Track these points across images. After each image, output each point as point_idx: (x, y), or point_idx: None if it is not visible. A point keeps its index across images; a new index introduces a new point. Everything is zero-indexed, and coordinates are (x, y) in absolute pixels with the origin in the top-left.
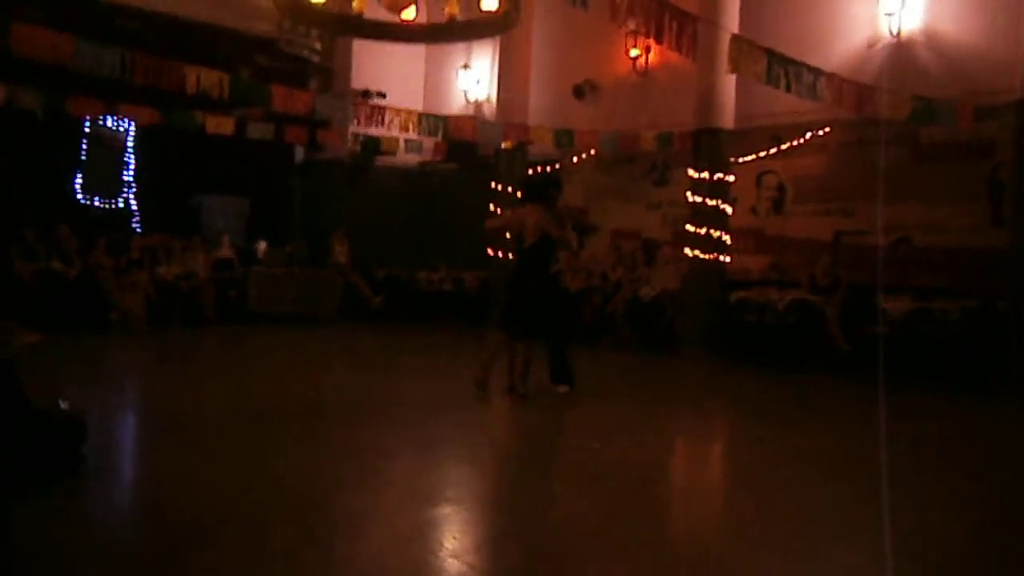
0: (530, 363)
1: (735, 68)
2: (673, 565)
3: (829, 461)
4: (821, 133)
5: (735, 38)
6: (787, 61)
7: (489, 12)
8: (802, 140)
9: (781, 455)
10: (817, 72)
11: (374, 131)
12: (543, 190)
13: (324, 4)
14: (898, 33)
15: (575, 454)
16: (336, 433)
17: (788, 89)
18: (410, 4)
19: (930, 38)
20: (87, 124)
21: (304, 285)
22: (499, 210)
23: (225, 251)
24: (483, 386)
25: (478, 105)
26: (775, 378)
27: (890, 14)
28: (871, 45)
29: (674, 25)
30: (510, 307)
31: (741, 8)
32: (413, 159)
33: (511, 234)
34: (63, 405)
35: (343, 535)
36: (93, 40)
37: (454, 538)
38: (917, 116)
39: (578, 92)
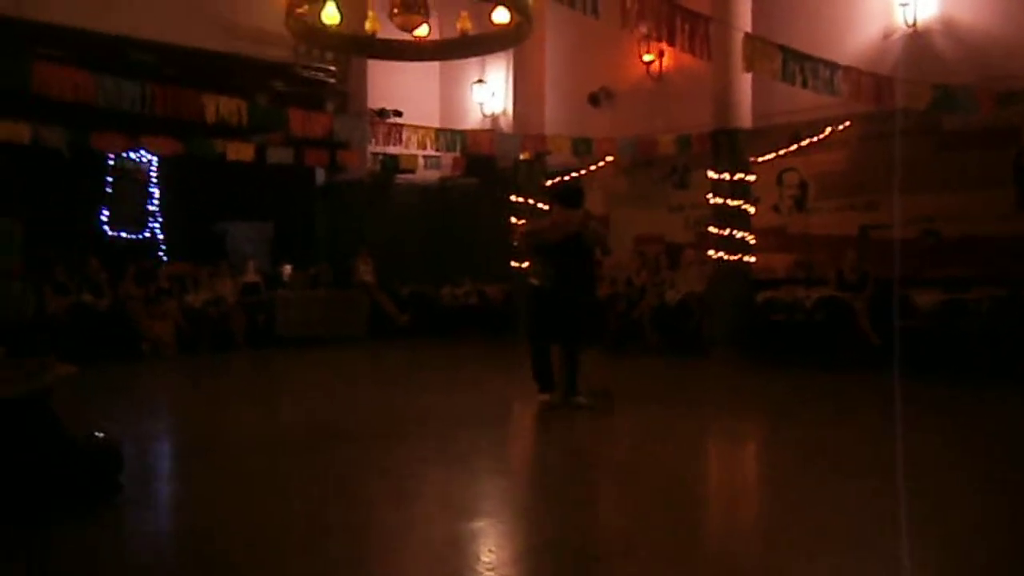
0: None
1: (750, 67)
2: (710, 571)
3: (863, 460)
4: (841, 128)
5: (748, 37)
6: (802, 57)
7: (501, 25)
8: (821, 136)
9: (815, 456)
10: (833, 66)
11: (393, 149)
12: (579, 196)
13: (337, 27)
14: (914, 23)
15: (606, 463)
16: (368, 451)
17: (804, 85)
18: (422, 22)
19: (947, 26)
20: (111, 159)
21: (330, 306)
22: (522, 221)
23: (251, 276)
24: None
25: (494, 118)
26: (806, 377)
27: (905, 4)
28: (887, 36)
29: (686, 27)
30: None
31: (753, 6)
32: (432, 175)
33: (553, 239)
34: (99, 435)
35: (379, 553)
36: (112, 75)
37: (490, 551)
38: (937, 105)
39: (593, 100)
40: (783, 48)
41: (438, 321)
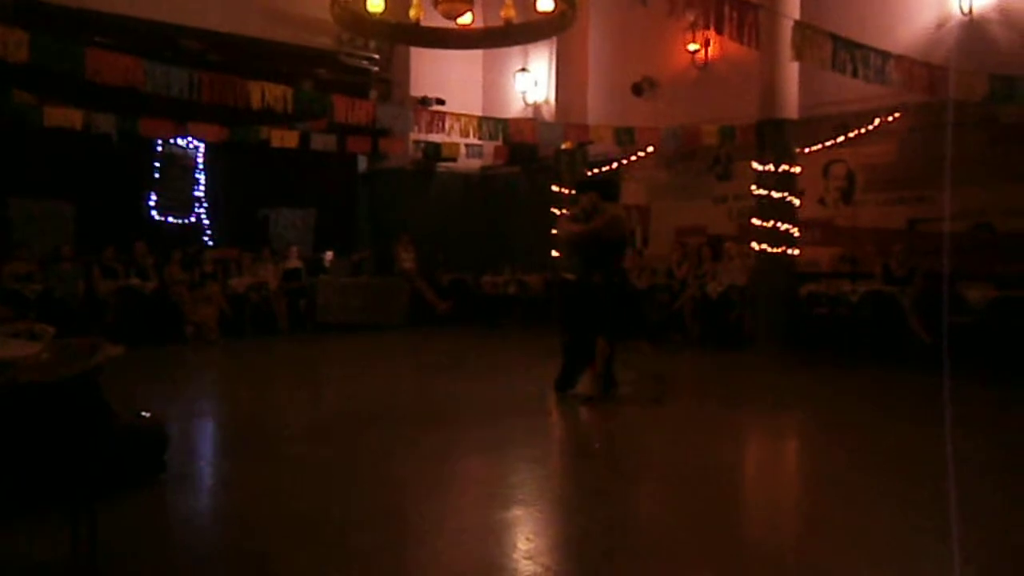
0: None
1: (799, 56)
2: (748, 566)
3: (910, 461)
4: (890, 119)
5: (798, 24)
6: (853, 45)
7: (545, 13)
8: (870, 127)
9: (856, 454)
10: (885, 55)
11: (435, 137)
12: (617, 190)
13: (382, 15)
14: (969, 10)
15: (643, 455)
16: (408, 437)
17: (855, 74)
18: (467, 10)
19: (1004, 14)
20: (159, 145)
21: (371, 293)
22: (564, 211)
23: (293, 262)
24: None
25: (536, 107)
26: (850, 373)
27: None
28: (941, 24)
29: (734, 15)
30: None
31: None
32: (474, 164)
33: (614, 236)
34: (145, 415)
35: (417, 538)
36: (161, 62)
37: (528, 539)
38: (994, 96)
39: (637, 89)
40: (833, 36)
41: (478, 309)
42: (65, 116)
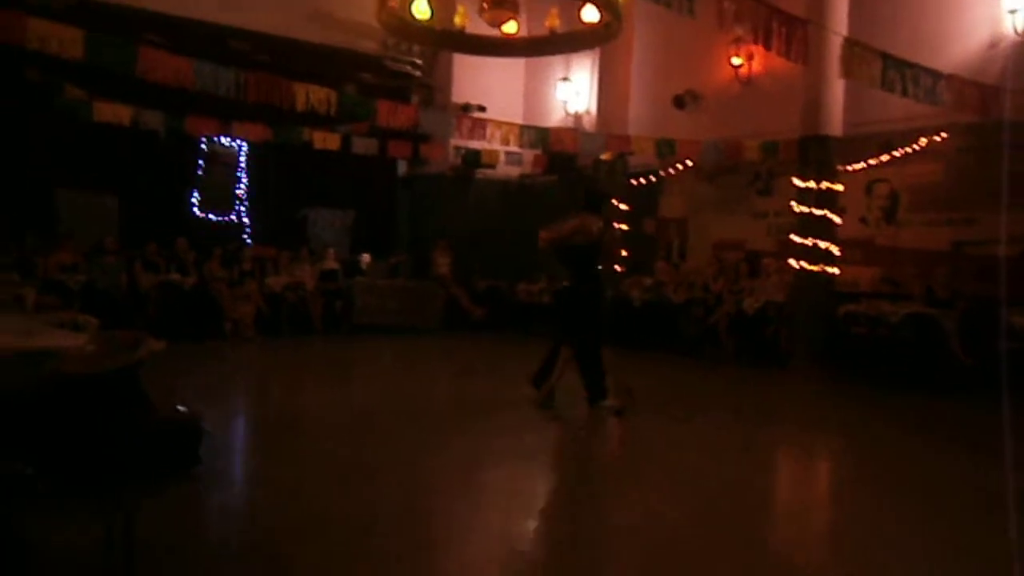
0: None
1: (848, 73)
2: None
3: (947, 490)
4: (937, 139)
5: (848, 41)
6: (904, 64)
7: (590, 24)
8: (916, 146)
9: (894, 481)
10: (936, 75)
11: (475, 144)
12: (601, 201)
13: (428, 21)
14: (1023, 31)
15: (669, 469)
16: (439, 439)
17: (904, 93)
18: (511, 18)
19: None
20: (203, 143)
21: (407, 296)
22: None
23: (330, 263)
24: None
25: (577, 117)
26: (887, 395)
27: (1013, 11)
28: (994, 44)
29: (783, 30)
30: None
31: (850, 10)
32: (513, 171)
33: (580, 242)
34: (181, 409)
35: (438, 544)
36: (210, 61)
37: (549, 548)
38: None
39: (679, 102)
40: (884, 54)
41: (512, 316)
42: (114, 112)
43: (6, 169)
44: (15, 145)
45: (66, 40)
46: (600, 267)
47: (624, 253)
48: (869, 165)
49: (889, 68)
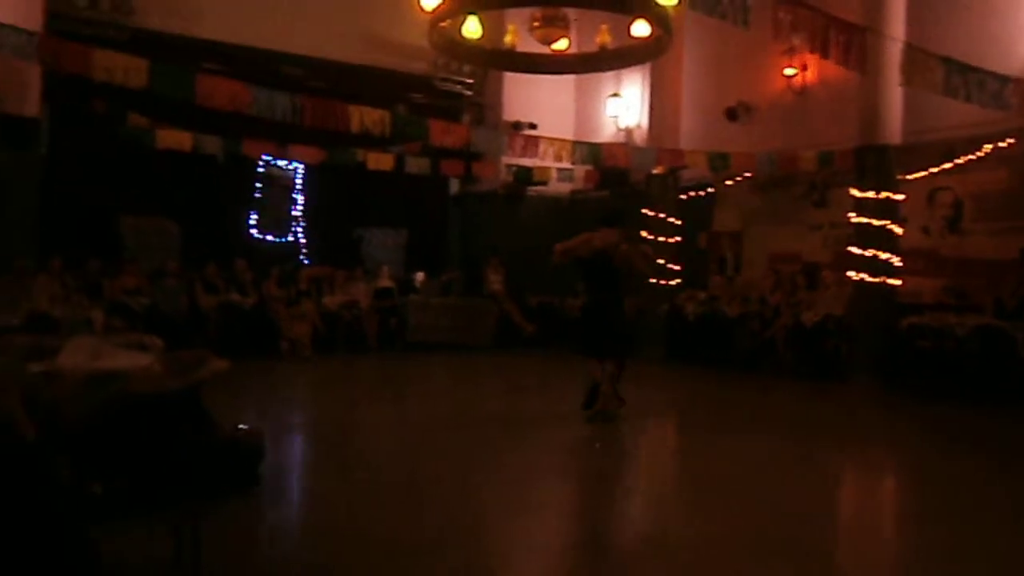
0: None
1: (908, 80)
2: None
3: (1007, 513)
4: (1004, 145)
5: (908, 48)
6: (967, 69)
7: (640, 38)
8: (980, 153)
9: (947, 502)
10: (1003, 79)
11: (527, 161)
12: (617, 217)
13: (478, 40)
14: None
15: (725, 487)
16: (495, 458)
17: (968, 99)
18: (563, 35)
19: None
20: (260, 166)
21: (459, 314)
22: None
23: (385, 281)
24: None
25: (628, 132)
26: (953, 411)
27: None
28: None
29: (841, 39)
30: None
31: (908, 15)
32: (564, 188)
33: (584, 254)
34: (243, 427)
35: (491, 563)
36: (266, 87)
37: (618, 569)
38: None
39: (731, 114)
40: (945, 59)
41: (563, 333)
42: (176, 139)
43: (74, 197)
44: (82, 174)
45: (131, 70)
46: (614, 280)
47: (652, 266)
48: (930, 173)
49: (952, 73)
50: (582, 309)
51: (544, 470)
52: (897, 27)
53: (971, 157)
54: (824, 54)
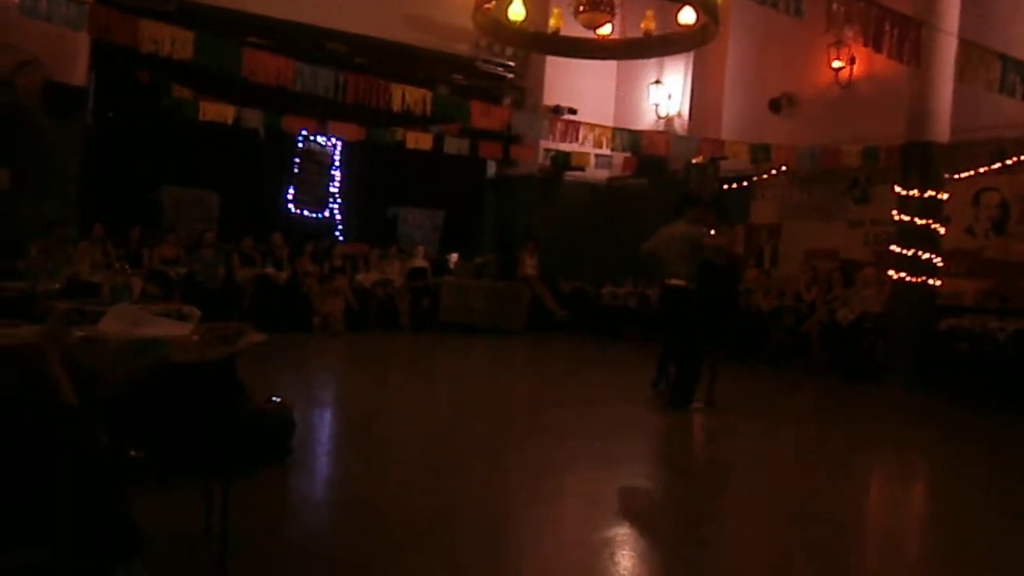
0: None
1: (963, 76)
2: None
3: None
4: None
5: (964, 43)
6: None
7: (687, 26)
8: None
9: (978, 508)
10: None
11: (566, 146)
12: (726, 211)
13: (522, 23)
14: None
15: (751, 484)
16: (521, 443)
17: None
18: (608, 20)
19: None
20: (300, 141)
21: (492, 297)
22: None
23: (419, 261)
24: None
25: (669, 120)
26: (991, 416)
27: None
28: None
29: (895, 31)
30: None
31: (962, 8)
32: (602, 174)
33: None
34: (276, 400)
35: (516, 550)
36: (310, 63)
37: (629, 558)
38: None
39: (775, 106)
40: (1003, 57)
41: (597, 319)
42: (218, 111)
43: (117, 166)
44: (126, 144)
45: (177, 42)
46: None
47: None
48: (978, 173)
49: (1009, 71)
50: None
51: (574, 455)
52: (951, 21)
53: (1020, 158)
54: (877, 47)
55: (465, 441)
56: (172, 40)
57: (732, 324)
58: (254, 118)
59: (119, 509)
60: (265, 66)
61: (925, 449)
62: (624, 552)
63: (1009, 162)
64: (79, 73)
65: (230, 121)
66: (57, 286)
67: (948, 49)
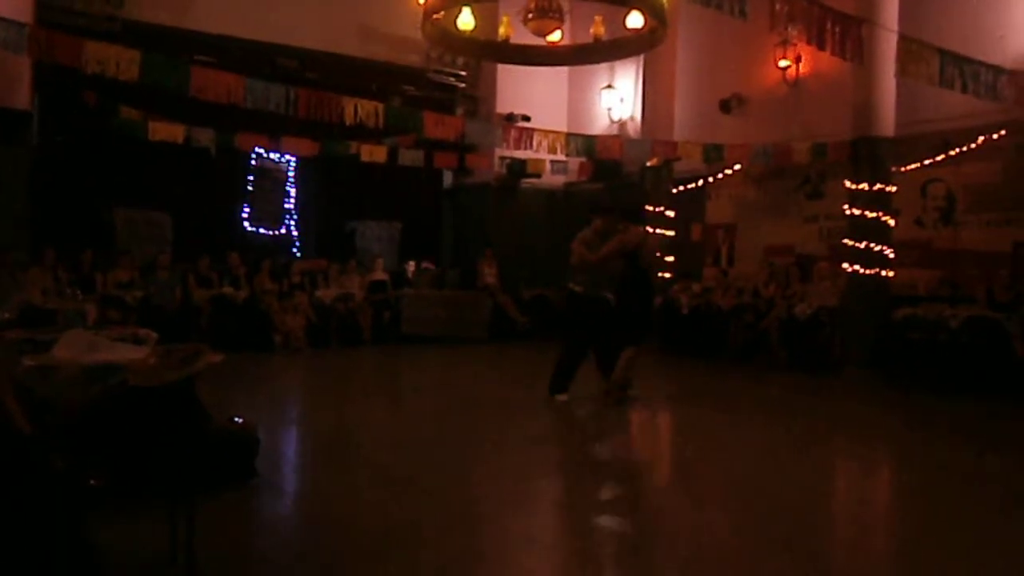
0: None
1: (903, 71)
2: None
3: (1000, 500)
4: (995, 137)
5: (904, 39)
6: (962, 60)
7: (635, 30)
8: (973, 145)
9: (944, 492)
10: (998, 70)
11: (521, 154)
12: (637, 212)
13: (472, 32)
14: None
15: (718, 477)
16: (490, 449)
17: (964, 90)
18: (557, 27)
19: None
20: (253, 159)
21: (454, 307)
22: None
23: (379, 274)
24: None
25: (622, 124)
26: (946, 402)
27: None
28: None
29: (837, 29)
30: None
31: (901, 7)
32: (558, 180)
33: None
34: (238, 420)
35: (490, 555)
36: (260, 78)
37: (609, 559)
38: None
39: (725, 106)
40: (941, 51)
41: (558, 325)
42: (168, 131)
43: (66, 190)
44: (74, 167)
45: (123, 62)
46: (642, 275)
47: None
48: (923, 165)
49: (947, 65)
50: (584, 299)
51: (541, 461)
52: (891, 18)
53: (964, 149)
54: (820, 45)
55: (433, 451)
56: (117, 60)
57: (646, 323)
58: (205, 137)
59: (81, 537)
60: (214, 83)
61: (886, 436)
62: (597, 553)
63: (953, 153)
64: (22, 97)
65: (180, 140)
66: (8, 315)
67: (889, 45)
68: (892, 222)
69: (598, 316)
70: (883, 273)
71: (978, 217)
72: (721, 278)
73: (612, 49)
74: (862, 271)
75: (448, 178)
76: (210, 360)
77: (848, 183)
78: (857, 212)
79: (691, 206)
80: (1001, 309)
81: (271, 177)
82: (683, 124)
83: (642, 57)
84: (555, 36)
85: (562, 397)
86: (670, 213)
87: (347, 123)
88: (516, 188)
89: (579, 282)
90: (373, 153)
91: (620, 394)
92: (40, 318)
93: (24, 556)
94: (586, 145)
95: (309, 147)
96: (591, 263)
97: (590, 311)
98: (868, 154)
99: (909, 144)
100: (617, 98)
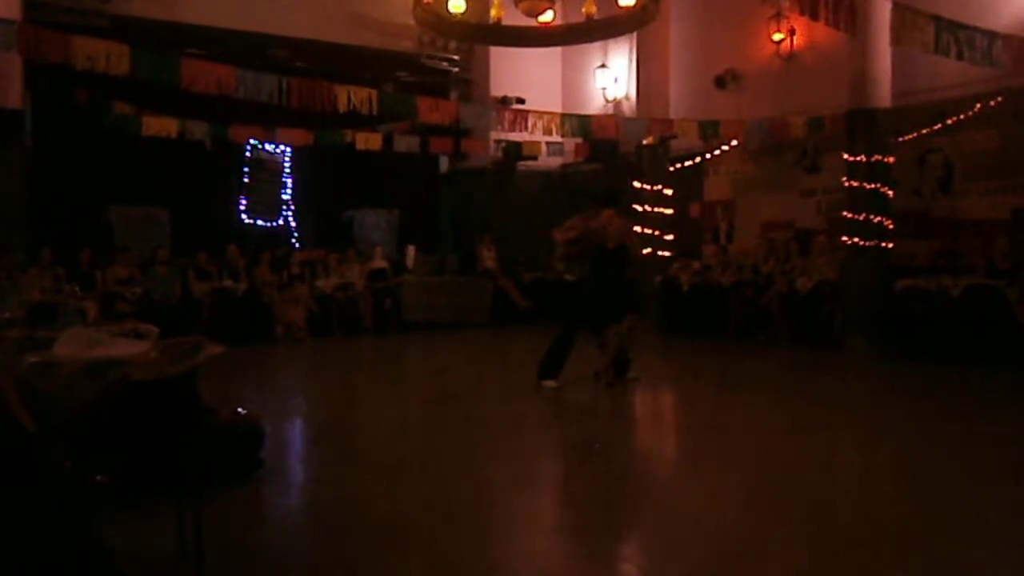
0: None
1: (898, 40)
2: None
3: (1008, 468)
4: (992, 104)
5: (897, 7)
6: (957, 26)
7: (627, 7)
8: (970, 113)
9: (952, 464)
10: (992, 35)
11: (516, 136)
12: (617, 198)
13: (463, 15)
14: None
15: (728, 458)
16: (493, 435)
17: (960, 57)
18: (548, 7)
19: None
20: (248, 151)
21: (454, 292)
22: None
23: (378, 262)
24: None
25: (617, 103)
26: (949, 371)
27: None
28: None
29: (830, 1)
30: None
31: None
32: (555, 162)
33: (591, 242)
34: (242, 412)
35: (502, 538)
36: (252, 70)
37: (613, 540)
38: None
39: (720, 82)
40: (936, 18)
41: (559, 307)
42: (162, 125)
43: (62, 188)
44: (69, 165)
45: (113, 57)
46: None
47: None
48: (921, 135)
49: (942, 32)
50: (590, 290)
51: (546, 444)
52: None
53: (961, 117)
54: (813, 16)
55: (438, 436)
56: (107, 55)
57: (627, 303)
58: (200, 130)
59: (90, 536)
60: (206, 75)
61: (891, 408)
62: (603, 534)
63: (950, 122)
64: (14, 96)
65: (174, 135)
66: (8, 314)
67: (883, 14)
68: (891, 193)
69: (575, 299)
70: (883, 245)
71: (977, 185)
72: (721, 255)
73: (605, 28)
74: (861, 243)
75: (444, 163)
76: (211, 352)
77: (845, 155)
78: (855, 184)
79: (689, 184)
80: (1001, 276)
81: (267, 168)
82: (678, 101)
83: (635, 35)
84: (547, 16)
85: (550, 383)
86: (668, 191)
87: (341, 111)
88: (513, 171)
89: (557, 267)
90: (368, 141)
91: (610, 377)
92: (46, 312)
93: (31, 557)
94: (581, 125)
95: (304, 137)
96: (559, 245)
97: (568, 295)
98: (865, 126)
99: (906, 114)
100: (611, 77)
